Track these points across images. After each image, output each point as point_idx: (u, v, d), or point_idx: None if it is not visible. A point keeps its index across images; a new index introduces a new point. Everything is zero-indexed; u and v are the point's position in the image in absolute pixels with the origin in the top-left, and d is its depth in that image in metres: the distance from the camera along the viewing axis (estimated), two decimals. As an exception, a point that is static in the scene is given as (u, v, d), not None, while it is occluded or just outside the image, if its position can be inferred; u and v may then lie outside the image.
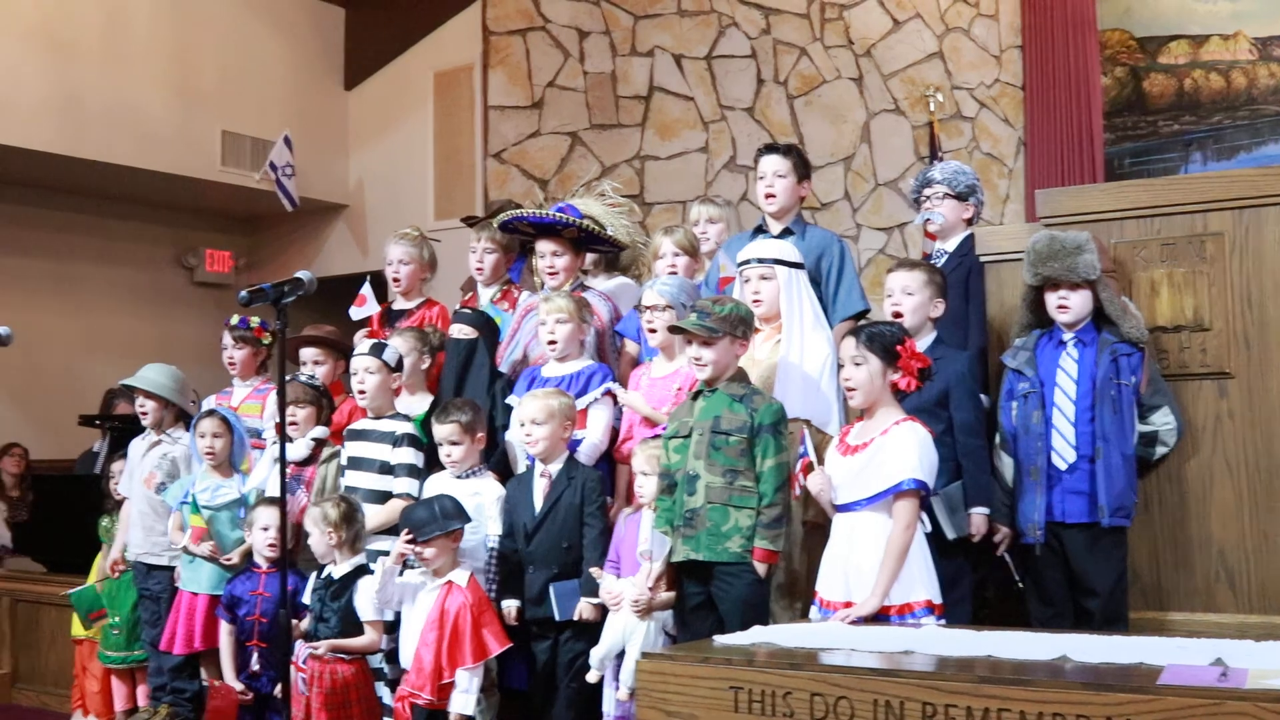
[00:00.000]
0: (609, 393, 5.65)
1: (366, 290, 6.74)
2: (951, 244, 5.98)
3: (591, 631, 5.14)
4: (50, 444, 10.26)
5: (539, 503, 5.32)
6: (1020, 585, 5.14)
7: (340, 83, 12.01)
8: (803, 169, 5.88)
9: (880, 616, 4.25)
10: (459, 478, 5.49)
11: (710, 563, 4.69)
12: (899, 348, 4.45)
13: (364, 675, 5.35)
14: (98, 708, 6.83)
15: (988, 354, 5.50)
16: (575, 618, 5.16)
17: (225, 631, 5.79)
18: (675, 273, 6.09)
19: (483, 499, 5.37)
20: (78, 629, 6.92)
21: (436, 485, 5.55)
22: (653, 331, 5.53)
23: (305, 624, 5.38)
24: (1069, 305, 4.94)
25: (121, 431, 7.81)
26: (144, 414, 6.63)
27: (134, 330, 11.40)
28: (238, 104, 11.04)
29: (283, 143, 10.97)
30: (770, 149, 5.94)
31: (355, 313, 6.72)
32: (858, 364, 4.46)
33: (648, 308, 5.53)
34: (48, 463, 10.03)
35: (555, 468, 5.32)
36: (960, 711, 3.24)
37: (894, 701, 3.32)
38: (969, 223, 6.04)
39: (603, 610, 5.12)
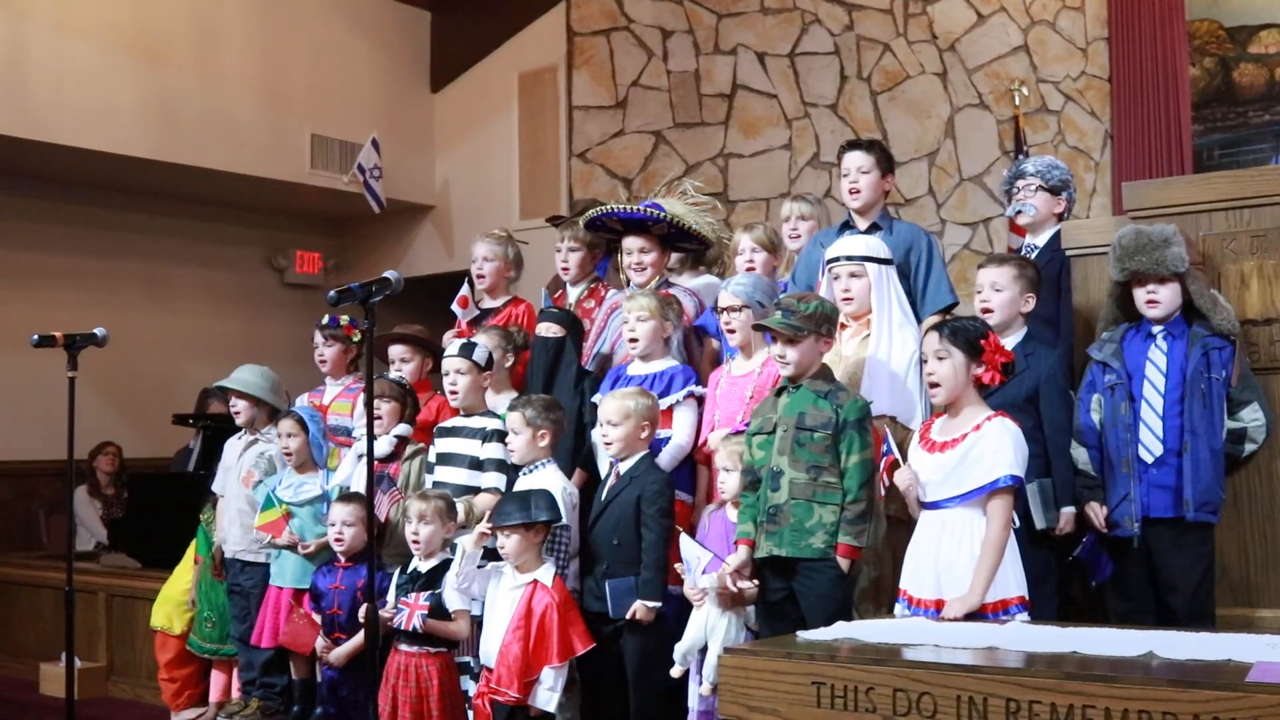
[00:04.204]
0: (692, 394, 5.67)
1: (466, 290, 6.82)
2: (1042, 238, 5.93)
3: (656, 629, 5.16)
4: (144, 443, 10.45)
5: (602, 496, 5.36)
6: (1094, 585, 5.11)
7: (426, 85, 12.12)
8: (886, 164, 5.86)
9: (977, 614, 4.23)
10: (524, 472, 5.52)
11: (793, 558, 4.69)
12: (982, 342, 4.43)
13: (449, 669, 5.41)
14: (167, 696, 7.01)
15: (1073, 349, 5.45)
16: (628, 617, 5.16)
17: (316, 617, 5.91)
18: (753, 269, 6.10)
19: None
20: (155, 620, 7.07)
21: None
22: (731, 332, 5.55)
23: (388, 613, 5.40)
24: (1158, 299, 4.89)
25: (215, 430, 7.95)
26: (237, 414, 6.77)
27: (226, 331, 11.58)
28: (326, 108, 11.18)
29: (370, 145, 11.09)
30: (853, 145, 5.92)
31: (461, 313, 6.79)
32: (941, 359, 4.44)
33: (724, 309, 5.54)
34: (141, 461, 10.21)
35: (626, 466, 5.33)
36: (1045, 708, 3.22)
37: (977, 698, 3.31)
38: (1060, 218, 5.99)
39: (656, 613, 5.14)
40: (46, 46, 9.39)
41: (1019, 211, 6.00)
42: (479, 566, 5.34)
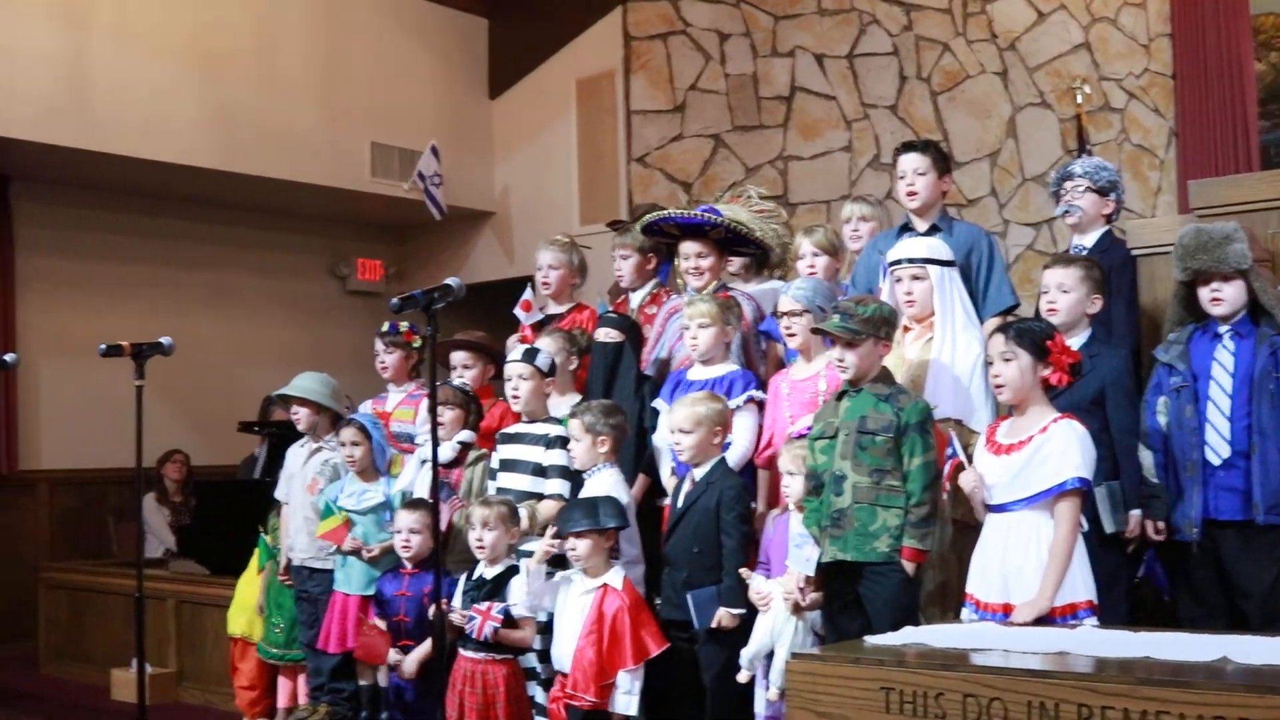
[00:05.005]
0: (752, 399, 5.66)
1: (530, 295, 6.84)
2: (1090, 239, 5.87)
3: (732, 635, 5.15)
4: (210, 450, 10.56)
5: (680, 503, 5.35)
6: (1167, 599, 5.05)
7: (485, 92, 12.16)
8: (942, 164, 5.81)
9: (1045, 619, 4.19)
10: (586, 477, 5.54)
11: (858, 563, 4.67)
12: (1049, 343, 4.39)
13: (515, 676, 5.42)
14: (244, 704, 7.04)
15: (1140, 350, 5.40)
16: (713, 625, 5.15)
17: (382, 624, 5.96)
18: (815, 273, 6.08)
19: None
20: (233, 628, 7.12)
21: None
22: (791, 336, 5.53)
23: (456, 618, 5.41)
24: (1222, 297, 4.84)
25: (279, 438, 8.01)
26: (298, 421, 6.80)
27: (289, 339, 11.67)
28: (386, 116, 11.24)
29: (430, 153, 11.14)
30: (908, 146, 5.89)
31: (524, 317, 6.81)
32: (1007, 360, 4.41)
33: (784, 313, 5.53)
34: (208, 468, 10.33)
35: (701, 472, 5.33)
36: (1117, 714, 3.20)
37: (1049, 703, 3.29)
38: (1108, 219, 5.94)
39: (741, 619, 5.13)
40: (109, 58, 9.50)
41: (1066, 213, 5.94)
42: (547, 576, 5.36)
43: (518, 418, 5.99)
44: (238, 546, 7.33)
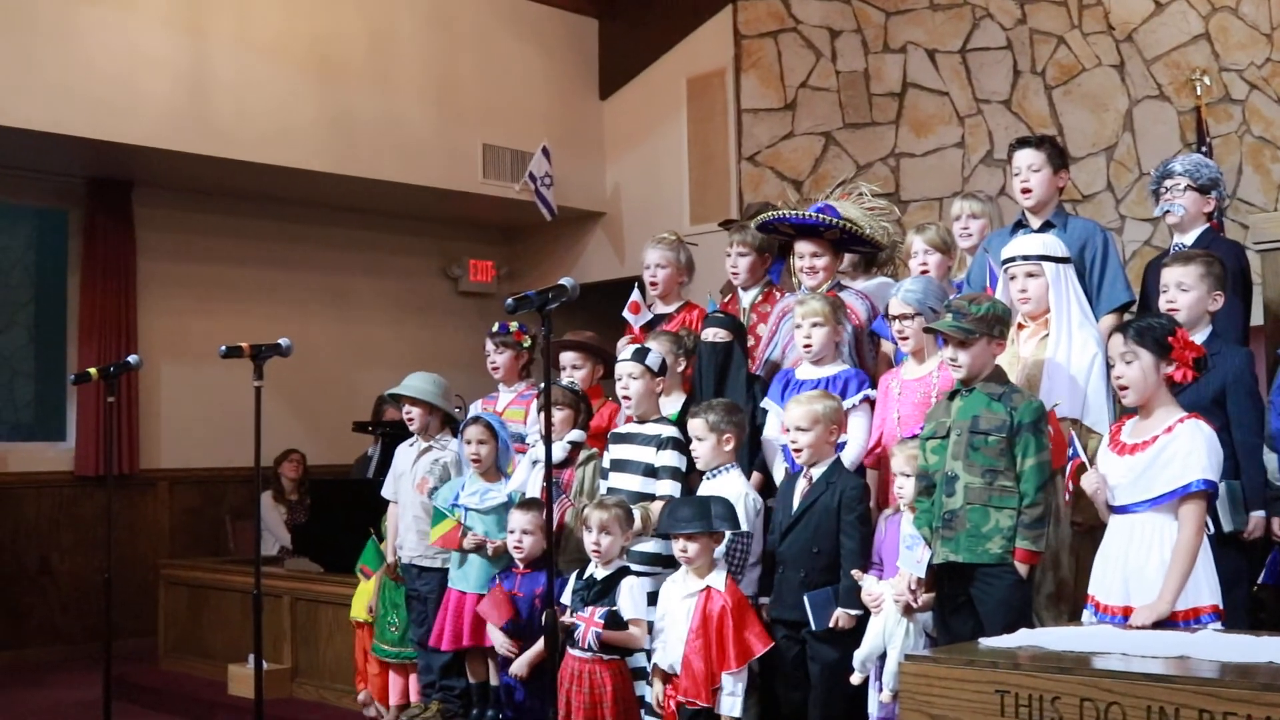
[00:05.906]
0: (867, 399, 5.61)
1: (637, 296, 6.85)
2: (1190, 238, 5.74)
3: (840, 634, 5.12)
4: (326, 450, 10.72)
5: (796, 503, 5.31)
6: (1256, 586, 4.95)
7: (595, 93, 12.20)
8: (1058, 160, 5.74)
9: (1167, 623, 4.11)
10: (708, 477, 5.53)
11: (970, 564, 4.61)
12: (1170, 339, 4.29)
13: (623, 676, 5.42)
14: (378, 691, 7.05)
15: (1247, 341, 5.28)
16: (831, 626, 5.12)
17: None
18: (927, 271, 6.02)
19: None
20: (357, 612, 7.19)
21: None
22: (904, 339, 5.47)
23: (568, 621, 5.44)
24: (1352, 293, 4.72)
25: (392, 437, 8.10)
26: (411, 420, 6.85)
27: (403, 340, 11.79)
28: (497, 118, 11.32)
29: (541, 154, 11.19)
30: (1023, 142, 5.82)
31: (634, 319, 6.81)
32: (1128, 361, 4.31)
33: (896, 316, 5.47)
34: (323, 468, 10.49)
35: (818, 471, 5.30)
36: (1239, 720, 3.12)
37: (1169, 708, 3.22)
38: (1209, 217, 5.80)
39: (858, 620, 5.09)
40: (229, 67, 9.68)
41: (1167, 212, 5.82)
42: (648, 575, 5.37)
43: (627, 418, 6.00)
44: (352, 545, 7.41)
